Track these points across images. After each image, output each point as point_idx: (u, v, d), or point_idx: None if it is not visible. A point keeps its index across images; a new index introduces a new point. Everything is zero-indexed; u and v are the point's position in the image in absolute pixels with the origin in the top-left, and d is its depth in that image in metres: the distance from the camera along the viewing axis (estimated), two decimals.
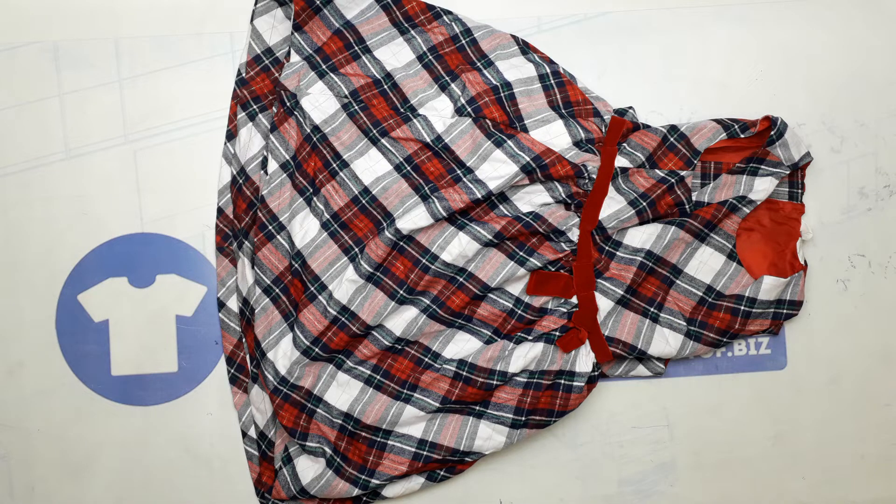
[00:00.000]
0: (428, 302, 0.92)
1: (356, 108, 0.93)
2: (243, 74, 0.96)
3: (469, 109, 0.93)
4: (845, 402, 1.00)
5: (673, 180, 0.93)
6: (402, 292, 0.91)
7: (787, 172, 0.95)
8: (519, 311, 0.93)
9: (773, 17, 1.00)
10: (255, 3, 0.97)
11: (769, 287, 0.94)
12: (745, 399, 0.99)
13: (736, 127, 0.95)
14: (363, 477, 0.92)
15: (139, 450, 0.97)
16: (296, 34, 0.94)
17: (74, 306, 0.97)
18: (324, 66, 0.94)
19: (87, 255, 0.97)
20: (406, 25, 0.95)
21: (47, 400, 0.97)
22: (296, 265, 0.91)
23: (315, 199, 0.92)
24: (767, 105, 0.99)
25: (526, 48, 0.96)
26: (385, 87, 0.94)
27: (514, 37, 0.96)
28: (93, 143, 0.97)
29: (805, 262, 0.96)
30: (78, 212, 0.97)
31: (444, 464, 0.94)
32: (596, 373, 0.93)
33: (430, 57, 0.95)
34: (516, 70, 0.95)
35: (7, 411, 0.97)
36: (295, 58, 0.94)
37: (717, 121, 0.95)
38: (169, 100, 0.97)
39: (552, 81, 0.95)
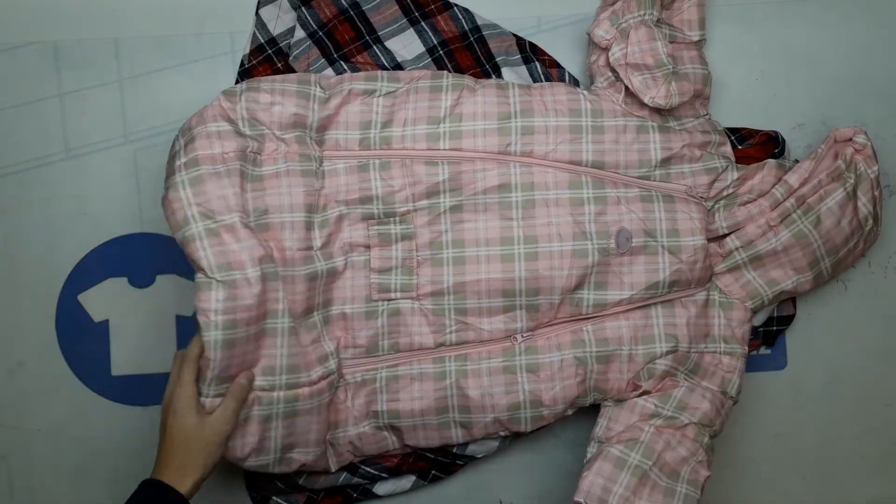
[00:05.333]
0: None
1: None
2: (246, 65, 0.96)
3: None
4: (845, 402, 1.00)
5: None
6: None
7: None
8: None
9: (773, 16, 1.00)
10: None
11: (763, 313, 0.95)
12: (745, 399, 0.99)
13: (734, 138, 0.95)
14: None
15: (139, 450, 0.97)
16: (302, 9, 0.94)
17: (74, 306, 0.97)
18: (335, 55, 0.94)
19: (87, 255, 0.97)
20: (417, 15, 0.95)
21: (47, 400, 0.97)
22: None
23: None
24: (767, 105, 0.99)
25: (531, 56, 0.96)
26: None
27: (519, 41, 0.96)
28: (93, 143, 0.97)
29: None
30: (78, 212, 0.97)
31: (436, 465, 0.94)
32: None
33: (441, 52, 0.95)
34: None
35: (7, 411, 0.97)
36: (300, 33, 0.94)
37: None
38: (169, 100, 0.97)
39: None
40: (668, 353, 0.89)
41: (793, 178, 0.91)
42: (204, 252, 0.78)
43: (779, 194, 0.90)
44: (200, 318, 0.78)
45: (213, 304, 0.78)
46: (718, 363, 0.91)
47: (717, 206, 0.92)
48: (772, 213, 0.90)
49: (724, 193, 0.92)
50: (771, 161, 0.93)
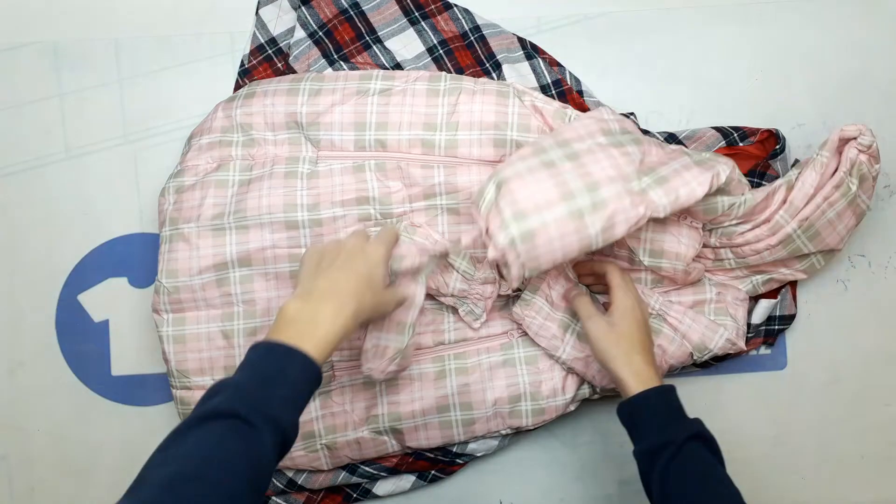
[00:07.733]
0: None
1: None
2: (246, 65, 0.96)
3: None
4: (845, 402, 1.00)
5: None
6: None
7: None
8: None
9: (773, 17, 1.00)
10: None
11: (763, 311, 0.94)
12: (745, 399, 0.99)
13: (735, 135, 0.95)
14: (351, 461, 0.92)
15: (139, 450, 0.97)
16: (302, 9, 0.94)
17: (74, 306, 0.97)
18: (335, 55, 0.94)
19: (87, 255, 0.97)
20: (417, 15, 0.95)
21: (47, 400, 0.97)
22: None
23: None
24: (767, 105, 0.99)
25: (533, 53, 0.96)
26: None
27: (520, 40, 0.96)
28: (93, 143, 0.97)
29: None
30: (78, 212, 0.97)
31: (436, 464, 0.94)
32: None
33: (441, 51, 0.95)
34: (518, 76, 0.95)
35: (7, 411, 0.97)
36: (300, 33, 0.94)
37: (717, 129, 0.95)
38: (169, 100, 0.97)
39: (553, 92, 0.95)
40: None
41: (798, 198, 0.86)
42: (162, 256, 0.90)
43: (782, 220, 0.87)
44: (154, 316, 0.90)
45: (160, 305, 0.89)
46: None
47: (715, 229, 0.89)
48: (771, 239, 0.88)
49: (724, 223, 0.88)
50: (780, 183, 0.88)
